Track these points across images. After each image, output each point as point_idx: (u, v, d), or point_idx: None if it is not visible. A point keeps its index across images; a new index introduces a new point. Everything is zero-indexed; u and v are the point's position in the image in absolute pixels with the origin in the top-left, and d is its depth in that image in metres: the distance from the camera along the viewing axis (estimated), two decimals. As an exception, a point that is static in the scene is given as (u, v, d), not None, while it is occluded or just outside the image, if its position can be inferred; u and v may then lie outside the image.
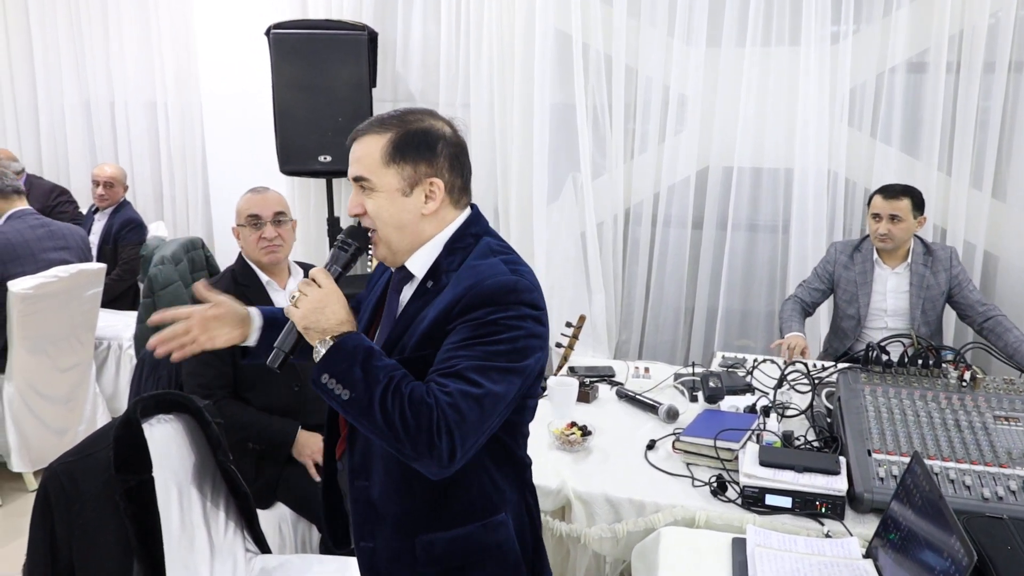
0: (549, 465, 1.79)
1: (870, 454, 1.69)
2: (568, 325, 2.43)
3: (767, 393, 2.17)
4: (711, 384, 2.19)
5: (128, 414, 1.44)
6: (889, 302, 2.73)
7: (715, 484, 1.69)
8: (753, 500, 1.62)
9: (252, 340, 1.33)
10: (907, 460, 1.52)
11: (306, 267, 2.31)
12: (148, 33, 4.32)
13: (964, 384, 1.96)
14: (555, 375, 2.28)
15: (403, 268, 1.23)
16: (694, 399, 2.21)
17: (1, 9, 4.46)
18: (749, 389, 2.22)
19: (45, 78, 4.50)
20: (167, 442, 1.58)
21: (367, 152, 1.18)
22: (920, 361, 2.05)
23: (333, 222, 3.70)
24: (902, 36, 3.17)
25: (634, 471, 1.80)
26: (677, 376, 2.37)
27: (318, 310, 1.14)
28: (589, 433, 1.92)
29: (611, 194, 3.59)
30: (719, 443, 1.77)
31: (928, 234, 3.10)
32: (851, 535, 1.52)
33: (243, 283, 2.12)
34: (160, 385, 2.19)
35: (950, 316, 2.98)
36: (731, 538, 1.51)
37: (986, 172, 3.17)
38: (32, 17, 4.46)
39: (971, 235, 3.22)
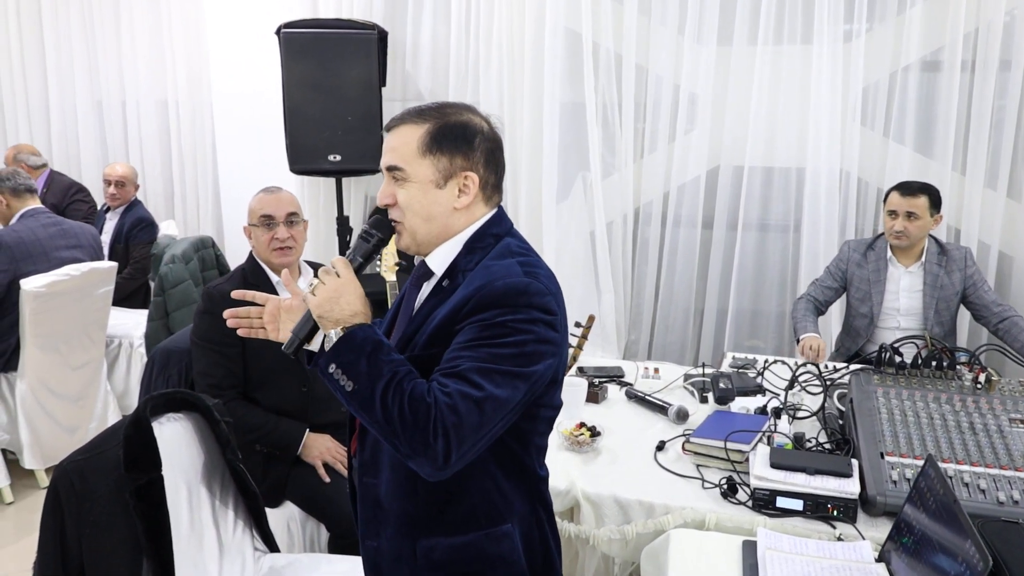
0: (558, 466, 1.78)
1: (883, 457, 1.67)
2: (577, 325, 2.42)
3: (778, 394, 2.15)
4: (721, 385, 2.17)
5: (138, 413, 1.44)
6: (902, 301, 2.71)
7: (725, 486, 1.67)
8: (764, 502, 1.60)
9: (316, 342, 1.32)
10: (920, 463, 1.51)
11: (315, 266, 2.31)
12: (160, 32, 4.35)
13: (979, 386, 1.93)
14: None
15: (424, 264, 1.23)
16: (704, 400, 2.20)
17: (15, 9, 4.50)
18: (760, 390, 2.20)
19: (57, 77, 4.54)
20: (177, 441, 1.58)
21: (403, 141, 1.17)
22: (934, 363, 2.02)
23: (342, 221, 3.70)
24: (916, 34, 3.13)
25: (643, 472, 1.79)
26: (687, 377, 2.36)
27: (333, 299, 1.14)
28: (598, 434, 1.91)
29: (621, 193, 3.57)
30: (729, 445, 1.75)
31: (942, 234, 3.07)
32: (863, 539, 1.51)
33: (253, 282, 2.12)
34: (170, 384, 2.20)
35: (964, 317, 2.95)
36: (741, 541, 1.50)
37: (1001, 172, 3.14)
38: (45, 17, 4.50)
39: (986, 235, 3.18)
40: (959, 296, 2.68)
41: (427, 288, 1.23)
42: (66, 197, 4.07)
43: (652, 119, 3.52)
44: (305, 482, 2.06)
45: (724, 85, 3.39)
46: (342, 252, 3.75)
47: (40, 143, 4.62)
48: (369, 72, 3.43)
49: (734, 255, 3.48)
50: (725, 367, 2.45)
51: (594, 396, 2.18)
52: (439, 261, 1.21)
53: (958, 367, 2.02)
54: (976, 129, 3.12)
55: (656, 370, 2.43)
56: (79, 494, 1.35)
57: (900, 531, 1.40)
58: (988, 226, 3.17)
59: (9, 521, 2.84)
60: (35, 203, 3.11)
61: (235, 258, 3.85)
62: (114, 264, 3.14)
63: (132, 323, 3.47)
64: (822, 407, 2.02)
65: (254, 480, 1.74)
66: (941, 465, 1.58)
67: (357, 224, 3.93)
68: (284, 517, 2.04)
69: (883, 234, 2.74)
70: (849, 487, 1.57)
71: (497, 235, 1.21)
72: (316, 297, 1.14)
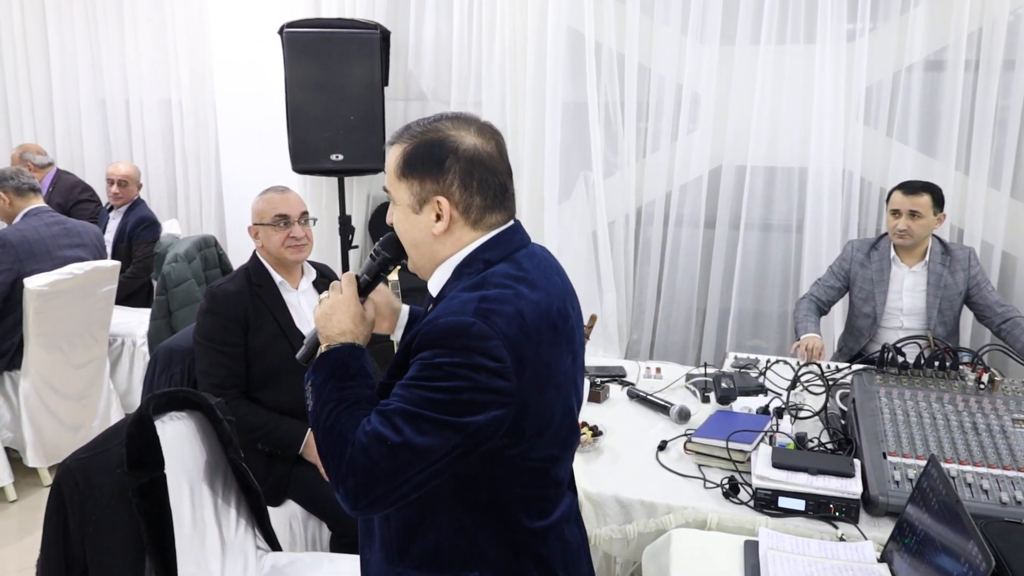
0: (560, 465, 1.78)
1: (885, 457, 1.67)
2: (579, 324, 2.42)
3: (780, 394, 2.15)
4: (723, 385, 2.17)
5: (141, 411, 1.45)
6: (905, 301, 2.70)
7: (727, 486, 1.67)
8: (766, 502, 1.60)
9: (396, 336, 1.33)
10: (923, 463, 1.50)
11: (318, 266, 2.32)
12: (163, 32, 4.36)
13: (982, 386, 1.93)
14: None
15: None
16: (706, 400, 2.20)
17: (19, 9, 4.51)
18: (762, 390, 2.20)
19: (61, 77, 4.55)
20: (179, 439, 1.58)
21: (389, 162, 1.14)
22: (936, 363, 2.02)
23: (345, 221, 3.71)
24: (920, 34, 3.13)
25: (645, 472, 1.78)
26: (689, 376, 2.35)
27: (327, 316, 1.15)
28: (600, 433, 1.91)
29: (623, 193, 3.57)
30: (731, 444, 1.75)
31: (945, 234, 3.07)
32: (865, 539, 1.50)
33: (256, 282, 2.13)
34: (173, 382, 2.20)
35: (967, 317, 2.94)
36: (743, 541, 1.50)
37: (1004, 171, 3.14)
38: (49, 16, 4.51)
39: (989, 235, 3.18)
40: (962, 296, 2.68)
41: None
42: (72, 196, 4.09)
43: (655, 118, 3.52)
44: (307, 481, 2.06)
45: (727, 84, 3.39)
46: (343, 251, 3.75)
47: (44, 142, 4.63)
48: (372, 71, 3.43)
49: (736, 255, 3.48)
50: (727, 367, 2.44)
51: (596, 395, 2.18)
52: (435, 285, 1.16)
53: (961, 367, 2.01)
54: (979, 129, 3.11)
55: (658, 370, 2.42)
56: (82, 492, 1.35)
57: (902, 531, 1.40)
58: (991, 226, 3.17)
59: (12, 519, 2.85)
60: (39, 202, 3.12)
61: (237, 257, 3.86)
62: (117, 263, 3.15)
63: (135, 322, 3.47)
64: (824, 407, 2.02)
65: (256, 479, 1.74)
66: (944, 465, 1.57)
67: (359, 224, 3.93)
68: (286, 516, 2.04)
69: (887, 234, 2.74)
70: (851, 487, 1.57)
71: (489, 260, 1.10)
72: (318, 310, 1.17)
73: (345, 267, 3.80)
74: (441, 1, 3.71)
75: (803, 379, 2.27)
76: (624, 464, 1.83)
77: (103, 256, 3.26)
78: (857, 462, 1.65)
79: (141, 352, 3.39)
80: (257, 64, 3.87)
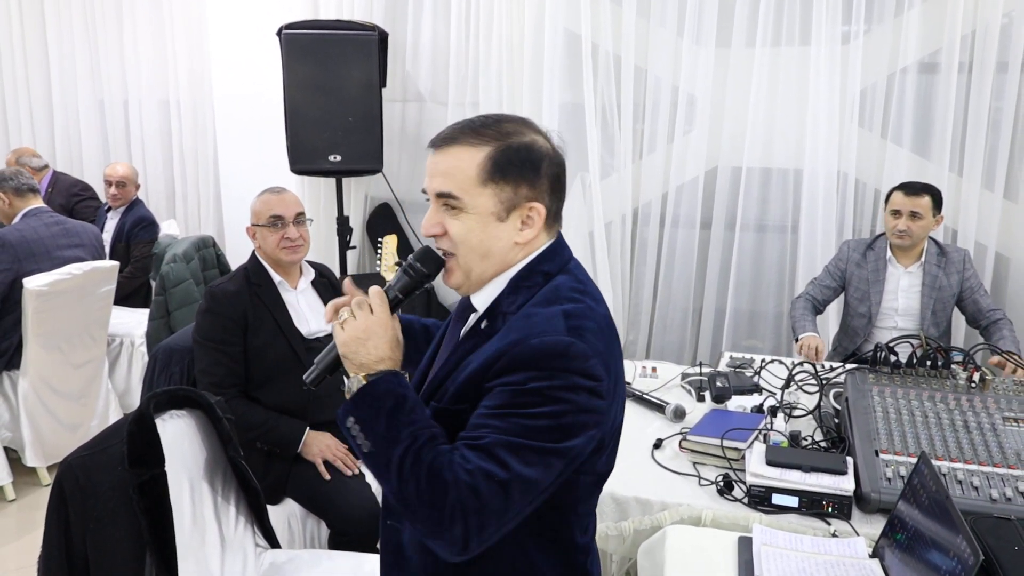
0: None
1: (877, 454, 1.69)
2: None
3: (774, 393, 2.17)
4: (718, 384, 2.19)
5: (141, 409, 1.46)
6: (900, 301, 2.72)
7: (721, 483, 1.69)
8: (759, 499, 1.62)
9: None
10: (914, 461, 1.52)
11: (317, 266, 2.34)
12: (162, 33, 4.37)
13: (973, 385, 1.95)
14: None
15: (467, 297, 1.10)
16: (701, 399, 2.21)
17: (17, 10, 4.52)
18: (756, 389, 2.22)
19: (60, 78, 4.55)
20: (179, 437, 1.59)
21: (459, 167, 1.02)
22: (929, 362, 2.04)
23: (342, 222, 3.72)
24: (914, 36, 3.15)
25: (641, 470, 1.80)
26: (684, 376, 2.37)
27: (360, 340, 1.01)
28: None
29: (619, 194, 3.59)
30: (726, 442, 1.77)
31: (939, 235, 3.08)
32: (858, 535, 1.52)
33: (255, 282, 2.14)
34: (172, 381, 2.21)
35: (960, 317, 2.96)
36: (737, 537, 1.52)
37: (998, 173, 3.16)
38: (47, 16, 4.52)
39: (982, 236, 3.20)
40: (955, 298, 2.70)
41: (468, 325, 1.10)
42: (72, 196, 4.09)
43: (651, 120, 3.53)
44: (306, 479, 2.08)
45: (723, 86, 3.41)
46: (341, 251, 3.76)
47: (43, 142, 4.64)
48: (369, 73, 3.45)
49: (732, 256, 3.49)
50: (722, 366, 2.46)
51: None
52: (483, 299, 1.07)
53: (952, 366, 2.03)
54: (973, 130, 3.14)
55: (654, 369, 2.44)
56: (83, 490, 1.36)
57: (894, 527, 1.42)
58: (985, 227, 3.19)
59: (11, 518, 2.86)
60: (38, 202, 3.13)
61: (236, 258, 3.86)
62: (116, 263, 3.16)
63: (133, 322, 3.48)
64: (818, 405, 2.04)
65: (255, 477, 1.75)
66: (935, 463, 1.59)
67: (357, 224, 3.94)
68: (285, 514, 2.06)
69: (883, 234, 2.76)
70: (844, 484, 1.59)
71: (548, 273, 1.05)
72: (344, 333, 1.02)
73: (343, 268, 3.81)
74: (439, 3, 3.73)
75: (797, 378, 2.29)
76: (620, 462, 1.80)
77: (102, 256, 3.27)
78: (850, 460, 1.67)
79: (139, 352, 3.40)
80: (255, 65, 3.88)
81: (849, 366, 2.21)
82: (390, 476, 0.95)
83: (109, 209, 3.97)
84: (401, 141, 3.92)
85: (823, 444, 1.86)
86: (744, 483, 1.67)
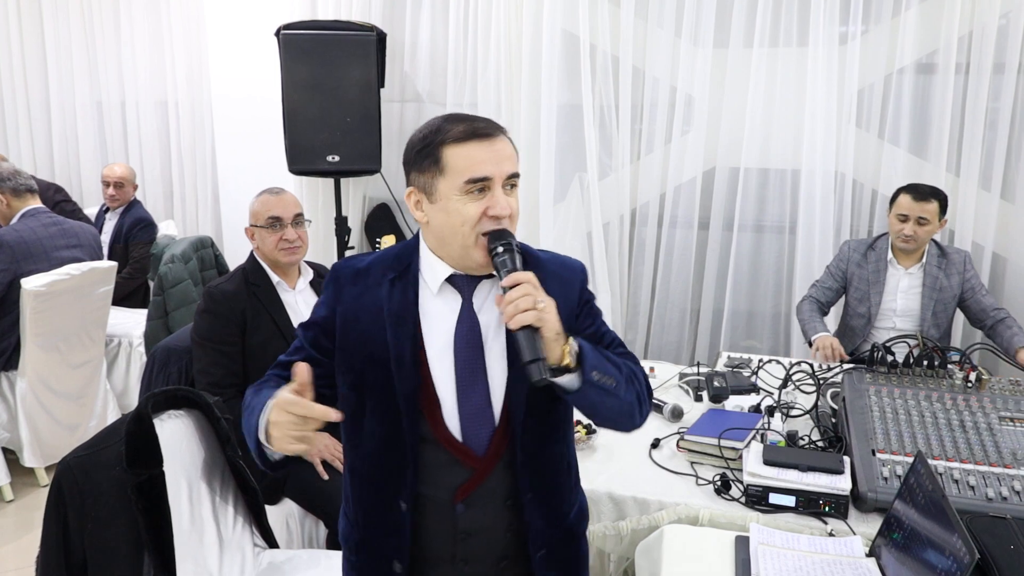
0: (554, 463, 1.80)
1: (874, 454, 1.69)
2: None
3: (772, 393, 2.17)
4: (716, 384, 2.19)
5: (139, 409, 1.46)
6: (899, 302, 2.72)
7: (719, 483, 1.69)
8: (757, 499, 1.62)
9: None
10: (911, 460, 1.53)
11: (315, 266, 2.34)
12: (159, 33, 4.37)
13: (969, 385, 1.96)
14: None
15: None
16: (699, 399, 2.22)
17: (15, 11, 4.52)
18: (754, 389, 2.22)
19: (58, 78, 4.55)
20: (177, 437, 1.60)
21: (512, 151, 1.16)
22: (925, 362, 2.05)
23: (341, 222, 3.72)
24: (911, 37, 3.16)
25: (638, 469, 1.81)
26: (682, 376, 2.38)
27: (553, 312, 1.09)
28: (594, 431, 1.93)
29: (617, 194, 3.59)
30: (723, 442, 1.77)
31: (937, 235, 3.09)
32: (854, 534, 1.53)
33: (254, 283, 2.14)
34: (170, 382, 2.22)
35: (959, 318, 2.97)
36: (734, 536, 1.52)
37: (995, 173, 3.16)
38: (45, 18, 4.51)
39: (980, 236, 3.21)
40: (956, 299, 2.70)
41: (486, 286, 1.18)
42: (47, 199, 4.07)
43: (649, 121, 3.54)
44: (304, 479, 2.08)
45: (720, 87, 3.42)
46: (340, 253, 3.76)
47: (40, 143, 4.64)
48: (368, 73, 3.45)
49: (730, 256, 3.50)
50: (720, 366, 2.47)
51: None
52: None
53: (949, 366, 2.04)
54: (970, 131, 3.14)
55: (652, 369, 2.45)
56: (82, 489, 1.36)
57: (890, 526, 1.42)
58: (982, 227, 3.20)
59: (9, 519, 2.86)
60: (36, 203, 3.12)
61: (234, 258, 3.87)
62: (114, 264, 3.16)
63: (131, 322, 3.48)
64: (815, 405, 2.05)
65: (253, 477, 1.75)
66: (931, 462, 1.60)
67: (355, 225, 3.94)
68: (283, 514, 2.06)
69: (884, 235, 2.76)
70: (841, 484, 1.60)
71: None
72: (550, 314, 1.07)
73: (341, 268, 3.80)
74: (437, 3, 3.73)
75: (794, 378, 2.30)
76: (617, 462, 1.85)
77: (100, 257, 3.27)
78: (847, 459, 1.68)
79: (138, 352, 3.40)
80: (253, 65, 3.88)
81: (846, 366, 2.22)
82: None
83: (107, 210, 3.97)
84: (399, 141, 3.92)
85: (820, 444, 1.86)
86: (741, 482, 1.67)
